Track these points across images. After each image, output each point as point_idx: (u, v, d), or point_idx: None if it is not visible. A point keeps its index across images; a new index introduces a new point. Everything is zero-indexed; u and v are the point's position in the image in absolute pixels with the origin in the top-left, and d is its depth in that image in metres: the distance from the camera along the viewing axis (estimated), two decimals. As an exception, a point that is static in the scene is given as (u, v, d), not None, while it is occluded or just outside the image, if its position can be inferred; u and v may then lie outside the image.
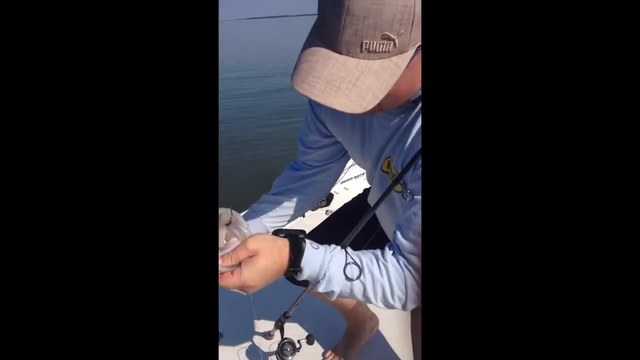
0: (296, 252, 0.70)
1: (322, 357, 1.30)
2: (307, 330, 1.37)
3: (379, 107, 0.69)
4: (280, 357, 1.15)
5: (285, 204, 1.16)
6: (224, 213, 0.72)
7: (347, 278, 0.70)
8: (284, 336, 1.20)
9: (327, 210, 2.28)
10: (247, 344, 1.34)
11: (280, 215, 1.16)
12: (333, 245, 0.74)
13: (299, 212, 1.21)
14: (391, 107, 0.73)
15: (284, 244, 0.70)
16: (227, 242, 0.73)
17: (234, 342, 1.36)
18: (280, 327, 1.26)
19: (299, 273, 0.71)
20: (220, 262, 0.67)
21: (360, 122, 0.91)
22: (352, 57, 0.62)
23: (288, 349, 1.16)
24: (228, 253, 0.68)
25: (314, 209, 2.33)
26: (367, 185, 2.29)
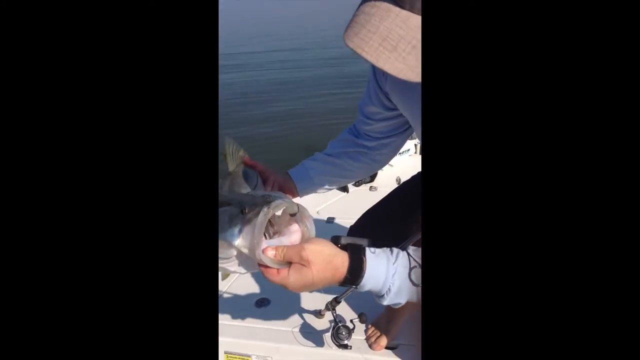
0: (354, 272, 0.67)
1: (364, 333, 1.34)
2: (353, 309, 1.40)
3: None
4: (337, 340, 1.19)
5: (338, 167, 1.13)
6: (291, 205, 0.69)
7: (414, 284, 0.68)
8: (337, 319, 1.24)
9: (371, 187, 2.28)
10: (299, 324, 1.39)
11: (331, 176, 1.13)
12: (395, 252, 0.71)
13: (350, 179, 1.19)
14: None
15: (341, 263, 0.67)
16: (286, 228, 0.71)
17: (284, 316, 1.41)
18: (332, 309, 1.29)
19: (357, 287, 0.69)
20: (270, 252, 0.66)
21: None
22: (417, 14, 0.54)
23: (344, 332, 1.20)
24: (282, 247, 0.67)
25: (357, 184, 2.33)
26: (413, 163, 2.25)
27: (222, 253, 0.70)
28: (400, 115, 1.02)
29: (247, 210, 0.68)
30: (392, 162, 2.50)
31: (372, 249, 0.70)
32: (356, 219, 1.27)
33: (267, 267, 0.66)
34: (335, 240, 0.71)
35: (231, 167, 0.91)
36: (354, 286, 0.68)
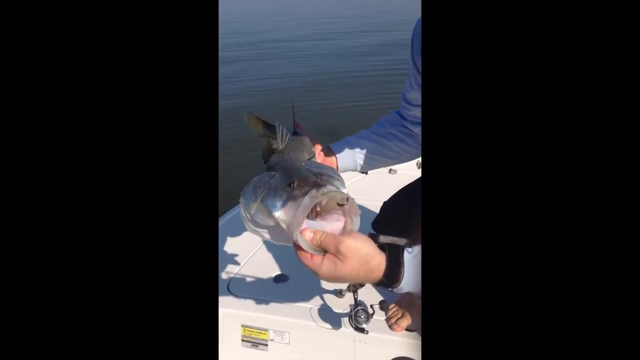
0: (391, 277, 0.66)
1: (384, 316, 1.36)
2: (374, 293, 1.41)
3: None
4: (355, 323, 1.21)
5: (385, 147, 1.11)
6: (343, 196, 0.66)
7: None
8: (358, 302, 1.26)
9: (390, 169, 2.27)
10: (318, 303, 1.41)
11: (375, 155, 1.11)
12: None
13: (394, 161, 1.16)
14: None
15: (377, 266, 0.65)
16: (330, 214, 0.68)
17: (304, 298, 1.43)
18: (354, 291, 1.30)
19: (393, 289, 0.68)
20: (308, 234, 0.64)
21: None
22: None
23: (362, 317, 1.21)
24: (321, 232, 0.65)
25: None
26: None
27: (259, 219, 0.68)
28: None
29: (295, 185, 0.66)
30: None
31: (411, 249, 0.69)
32: (378, 210, 1.26)
33: (301, 249, 0.65)
34: (374, 238, 0.70)
35: (282, 146, 0.88)
36: (389, 284, 0.68)
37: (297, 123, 0.99)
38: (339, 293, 1.42)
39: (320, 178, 0.67)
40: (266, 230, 0.70)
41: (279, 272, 1.58)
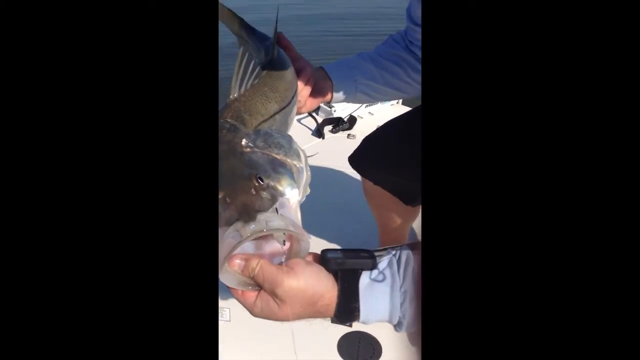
0: (344, 316, 0.53)
1: None
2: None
3: None
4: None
5: (390, 72, 0.90)
6: (279, 232, 0.50)
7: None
8: None
9: (349, 134, 2.13)
10: None
11: (378, 84, 0.90)
12: (404, 265, 0.52)
13: (397, 94, 0.96)
14: None
15: (326, 306, 0.51)
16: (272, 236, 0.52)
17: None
18: None
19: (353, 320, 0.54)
20: (238, 262, 0.50)
21: None
22: None
23: None
24: (256, 260, 0.50)
25: (334, 131, 2.18)
26: (395, 112, 2.09)
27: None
28: None
29: (228, 199, 0.50)
30: (372, 110, 2.39)
31: (373, 274, 0.53)
32: (337, 176, 1.12)
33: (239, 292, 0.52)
34: (325, 260, 0.53)
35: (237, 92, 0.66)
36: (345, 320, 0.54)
37: (280, 35, 0.76)
38: None
39: (256, 192, 0.50)
40: None
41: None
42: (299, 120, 2.20)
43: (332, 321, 0.54)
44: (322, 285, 0.51)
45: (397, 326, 0.54)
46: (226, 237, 0.48)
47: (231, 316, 1.24)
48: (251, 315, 0.55)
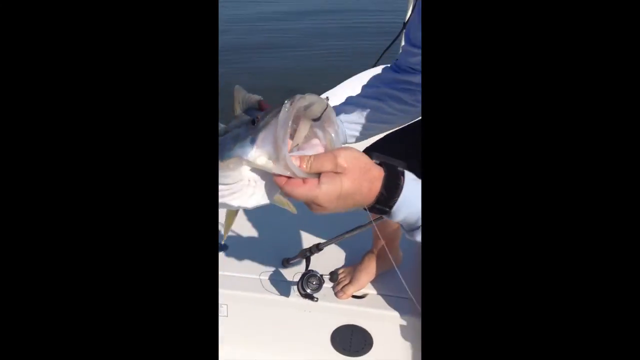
0: (390, 190, 0.57)
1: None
2: (326, 264, 1.35)
3: None
4: (304, 289, 1.14)
5: (377, 110, 0.95)
6: (318, 102, 0.54)
7: None
8: (309, 269, 1.18)
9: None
10: (258, 271, 1.33)
11: (368, 121, 0.95)
12: None
13: (390, 125, 1.00)
14: None
15: (377, 176, 0.56)
16: (305, 142, 0.57)
17: (243, 268, 1.35)
18: (307, 257, 1.22)
19: (389, 214, 0.59)
20: (294, 161, 0.53)
21: None
22: None
23: (313, 283, 1.14)
24: (307, 156, 0.54)
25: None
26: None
27: (225, 178, 0.57)
28: None
29: (259, 118, 0.55)
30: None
31: (411, 174, 0.60)
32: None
33: (289, 178, 0.54)
34: (368, 153, 0.59)
35: (238, 111, 0.72)
36: (385, 211, 0.58)
37: (262, 102, 0.78)
38: (286, 262, 1.35)
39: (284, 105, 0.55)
40: (237, 193, 0.58)
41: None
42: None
43: (378, 200, 0.57)
44: (368, 160, 0.57)
45: (416, 231, 0.59)
46: (279, 117, 0.51)
47: (229, 312, 1.30)
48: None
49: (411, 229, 0.60)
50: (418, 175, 0.59)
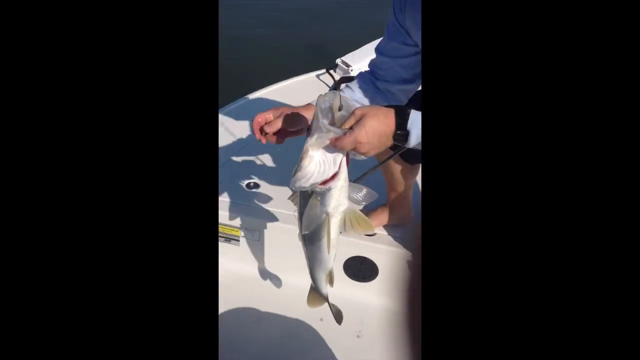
0: (402, 115, 0.81)
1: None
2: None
3: None
4: None
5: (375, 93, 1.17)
6: (336, 97, 0.79)
7: None
8: None
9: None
10: (285, 207, 1.51)
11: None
12: None
13: None
14: None
15: (388, 110, 0.82)
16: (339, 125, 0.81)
17: (273, 203, 1.55)
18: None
19: (408, 138, 0.82)
20: (335, 127, 0.77)
21: None
22: None
23: None
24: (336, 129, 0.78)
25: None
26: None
27: (301, 168, 0.79)
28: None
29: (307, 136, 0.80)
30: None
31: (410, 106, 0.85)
32: None
33: (335, 140, 0.77)
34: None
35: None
36: (404, 135, 0.82)
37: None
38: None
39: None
40: (309, 176, 0.79)
41: (251, 180, 1.68)
42: (317, 77, 2.36)
43: (396, 125, 0.83)
44: (378, 106, 0.85)
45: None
46: (317, 106, 0.78)
47: (260, 237, 1.51)
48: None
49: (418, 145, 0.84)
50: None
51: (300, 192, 0.85)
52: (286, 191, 1.58)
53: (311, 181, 0.79)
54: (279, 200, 1.55)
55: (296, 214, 0.89)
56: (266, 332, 1.35)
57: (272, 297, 1.45)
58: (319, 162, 0.79)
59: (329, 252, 0.88)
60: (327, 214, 0.82)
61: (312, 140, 0.78)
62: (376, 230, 1.45)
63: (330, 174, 0.79)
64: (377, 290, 1.43)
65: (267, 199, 1.57)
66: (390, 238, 1.43)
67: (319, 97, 0.79)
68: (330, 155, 0.79)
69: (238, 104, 2.05)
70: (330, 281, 0.99)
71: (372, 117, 0.79)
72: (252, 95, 2.12)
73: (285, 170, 1.69)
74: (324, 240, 0.86)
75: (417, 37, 1.05)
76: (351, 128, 0.78)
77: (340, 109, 0.80)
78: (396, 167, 1.39)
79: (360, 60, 2.30)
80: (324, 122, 0.76)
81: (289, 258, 1.35)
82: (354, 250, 1.44)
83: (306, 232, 0.86)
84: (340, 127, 0.79)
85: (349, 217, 0.84)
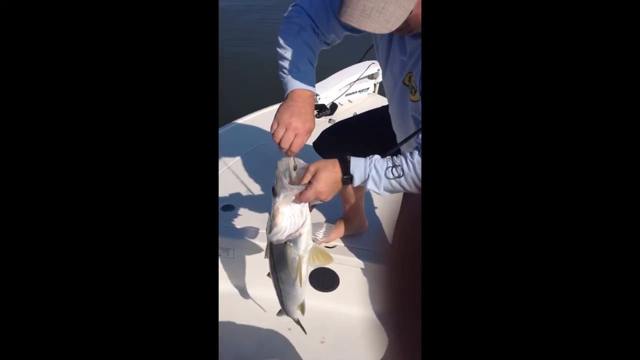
0: (344, 164, 1.02)
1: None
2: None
3: (409, 30, 0.94)
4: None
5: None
6: (290, 160, 0.98)
7: (387, 177, 1.01)
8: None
9: (330, 119, 2.53)
10: (259, 226, 1.69)
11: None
12: (373, 156, 1.04)
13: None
14: (417, 30, 0.97)
15: (334, 161, 1.02)
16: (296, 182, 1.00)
17: (247, 223, 1.69)
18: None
19: (353, 180, 1.01)
20: (295, 184, 0.96)
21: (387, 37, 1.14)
22: None
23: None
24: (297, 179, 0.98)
25: (318, 117, 2.58)
26: (371, 101, 2.57)
27: (274, 224, 0.96)
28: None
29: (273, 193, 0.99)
30: (352, 98, 2.79)
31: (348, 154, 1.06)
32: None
33: (299, 195, 0.95)
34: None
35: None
36: (349, 177, 1.01)
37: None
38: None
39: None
40: (282, 230, 0.97)
41: (226, 203, 1.84)
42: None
43: (343, 177, 1.02)
44: (326, 160, 1.04)
45: (365, 182, 1.02)
46: (276, 172, 0.98)
47: (235, 255, 1.65)
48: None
49: (365, 182, 1.02)
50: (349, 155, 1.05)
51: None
52: (258, 214, 1.76)
53: (286, 233, 0.97)
54: (251, 220, 1.71)
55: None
56: (241, 343, 1.49)
57: (246, 310, 1.58)
58: (289, 216, 0.96)
59: (301, 286, 1.07)
60: (299, 256, 1.01)
61: (280, 199, 0.95)
62: (335, 243, 1.62)
63: (300, 223, 0.98)
64: (338, 298, 1.58)
65: (241, 220, 1.73)
66: (346, 249, 1.60)
67: (277, 162, 0.98)
68: (297, 207, 0.97)
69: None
70: (302, 310, 1.18)
71: (323, 170, 0.97)
72: (225, 128, 2.32)
73: (257, 194, 1.88)
74: (297, 279, 1.05)
75: (327, 33, 1.18)
76: (310, 182, 0.96)
77: (295, 168, 0.99)
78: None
79: (325, 89, 2.52)
80: (286, 182, 0.94)
81: (261, 274, 1.44)
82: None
83: (280, 273, 1.05)
84: (299, 183, 0.96)
85: (313, 253, 1.03)
